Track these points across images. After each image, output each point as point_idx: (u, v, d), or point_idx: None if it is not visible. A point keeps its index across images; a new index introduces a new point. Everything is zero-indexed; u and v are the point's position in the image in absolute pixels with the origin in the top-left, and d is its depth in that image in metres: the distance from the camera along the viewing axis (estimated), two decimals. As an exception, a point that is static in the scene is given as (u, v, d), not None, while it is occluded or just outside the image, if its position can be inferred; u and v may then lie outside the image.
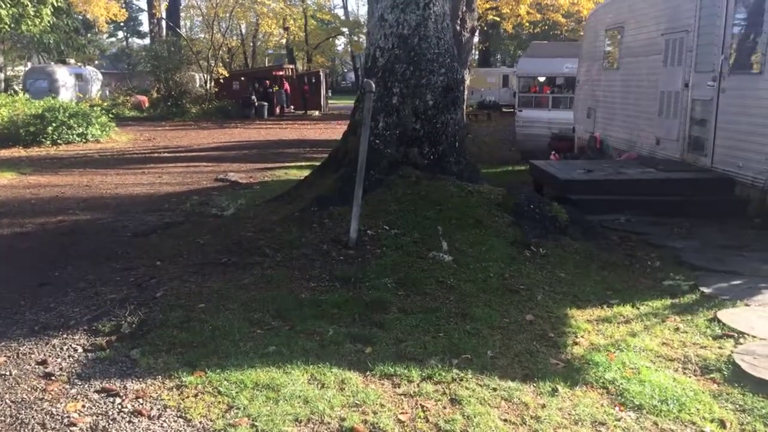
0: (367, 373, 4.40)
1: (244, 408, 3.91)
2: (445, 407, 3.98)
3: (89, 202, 11.03)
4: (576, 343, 4.95)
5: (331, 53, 67.93)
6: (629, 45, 12.94)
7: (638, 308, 5.65)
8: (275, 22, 46.38)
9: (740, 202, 8.80)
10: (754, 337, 5.02)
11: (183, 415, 3.88)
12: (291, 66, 48.24)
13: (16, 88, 29.50)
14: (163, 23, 43.35)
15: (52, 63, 36.85)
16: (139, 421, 3.83)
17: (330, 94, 50.62)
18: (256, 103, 37.40)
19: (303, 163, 17.37)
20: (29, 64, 41.50)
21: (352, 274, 6.03)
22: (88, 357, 4.69)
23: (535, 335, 5.04)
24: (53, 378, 4.39)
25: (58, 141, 21.05)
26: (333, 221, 7.10)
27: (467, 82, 13.28)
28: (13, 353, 4.78)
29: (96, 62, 49.19)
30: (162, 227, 8.38)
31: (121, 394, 4.15)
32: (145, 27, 69.53)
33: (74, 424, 3.79)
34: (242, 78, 40.75)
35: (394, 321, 5.18)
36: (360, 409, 3.93)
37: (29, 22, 22.47)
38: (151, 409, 3.94)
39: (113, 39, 76.64)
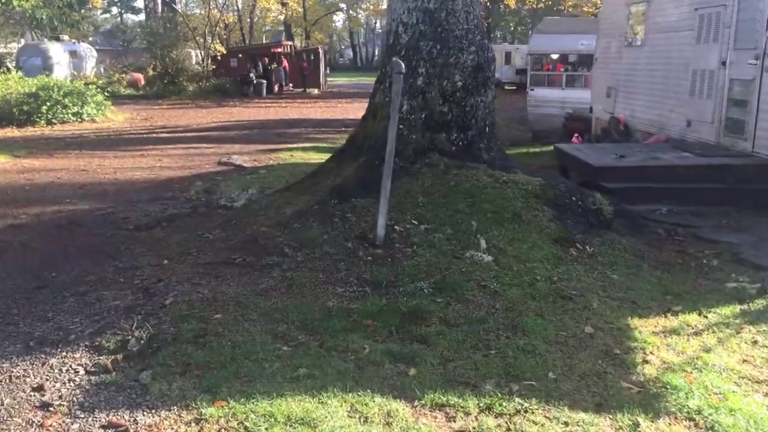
0: (416, 402, 3.80)
1: (278, 452, 3.31)
2: (513, 449, 3.39)
3: (87, 189, 10.37)
4: (646, 361, 4.36)
5: (329, 29, 66.86)
6: (656, 20, 12.23)
7: (705, 316, 5.05)
8: (273, -3, 45.39)
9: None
10: None
11: (206, 461, 3.28)
12: (289, 42, 47.27)
13: (9, 65, 28.60)
14: (159, -2, 42.37)
15: (46, 40, 35.85)
16: (154, 469, 3.23)
17: (328, 72, 49.71)
18: (255, 81, 36.54)
19: (307, 145, 16.72)
20: (22, 41, 40.49)
21: (383, 277, 5.41)
22: (91, 381, 4.08)
23: (598, 352, 4.44)
24: (51, 409, 3.78)
25: (53, 121, 20.34)
26: (356, 215, 6.46)
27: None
28: (5, 376, 4.16)
29: (90, 39, 48.16)
30: (166, 219, 7.73)
31: (131, 430, 3.55)
32: (139, 2, 68.30)
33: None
34: (240, 55, 39.77)
35: (437, 335, 4.57)
36: (414, 453, 3.34)
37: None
38: (168, 453, 3.34)
39: (107, 15, 75.33)
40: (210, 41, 37.19)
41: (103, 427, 3.60)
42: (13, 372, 4.20)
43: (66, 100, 20.83)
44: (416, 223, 6.35)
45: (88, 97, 21.86)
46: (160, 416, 3.66)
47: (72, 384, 4.06)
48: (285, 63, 40.56)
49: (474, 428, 3.56)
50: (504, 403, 3.76)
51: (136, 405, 3.79)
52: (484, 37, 7.48)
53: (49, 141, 16.92)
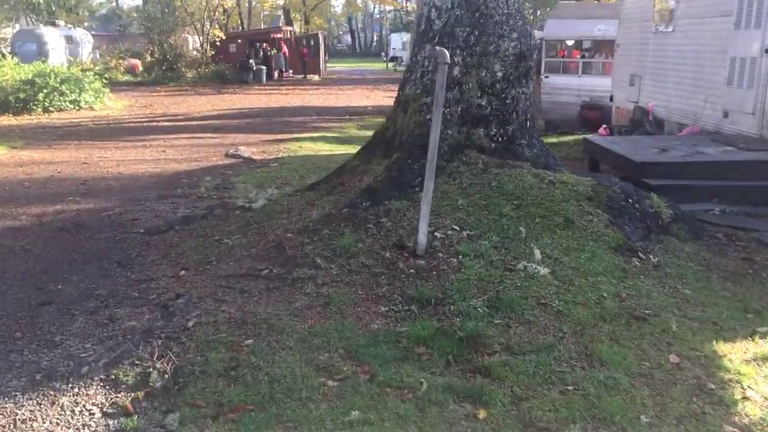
0: (494, 456, 3.22)
1: None
2: None
3: (90, 185, 9.76)
4: (746, 398, 3.79)
5: (328, 14, 65.94)
6: (688, 4, 11.59)
7: (797, 339, 4.47)
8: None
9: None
10: None
11: None
12: (289, 28, 46.41)
13: (4, 51, 27.80)
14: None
15: (41, 25, 35.03)
16: None
17: (327, 58, 48.94)
18: (254, 67, 35.84)
19: (314, 134, 16.14)
20: (17, 26, 39.65)
21: (431, 293, 4.82)
22: (109, 427, 3.50)
23: (690, 387, 3.86)
24: (65, 465, 3.20)
25: (50, 108, 19.78)
26: (391, 220, 5.86)
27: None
28: (10, 419, 3.58)
29: (85, 24, 47.25)
30: (179, 222, 7.12)
31: (161, 493, 2.98)
32: (135, -14, 67.07)
33: None
34: (239, 40, 39.01)
35: (502, 366, 3.99)
36: None
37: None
38: None
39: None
40: (208, 26, 36.39)
41: (127, 489, 3.03)
42: (18, 414, 3.62)
43: (63, 87, 20.25)
44: (458, 228, 5.76)
45: (86, 84, 21.26)
46: (194, 475, 3.09)
47: (87, 430, 3.47)
48: (285, 49, 39.86)
49: (569, 491, 2.99)
50: (598, 457, 3.19)
51: (164, 459, 3.22)
52: (526, 23, 6.86)
53: (47, 130, 16.31)
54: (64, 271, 5.94)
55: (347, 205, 6.22)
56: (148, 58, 35.82)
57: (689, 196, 7.55)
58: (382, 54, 71.78)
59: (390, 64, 58.66)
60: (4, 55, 23.97)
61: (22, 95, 19.30)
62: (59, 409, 3.66)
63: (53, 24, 34.14)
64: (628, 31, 14.46)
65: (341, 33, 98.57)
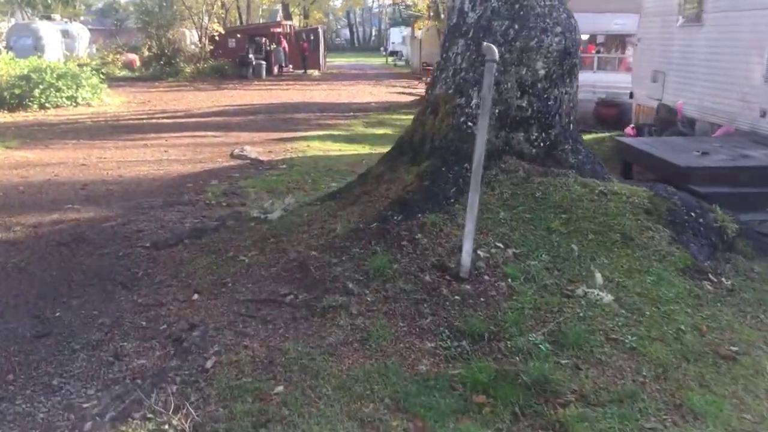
0: None
1: None
2: None
3: (89, 190, 9.13)
4: None
5: (326, 8, 65.16)
6: (721, -3, 10.97)
7: None
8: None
9: None
10: None
11: None
12: (289, 22, 45.68)
13: (-1, 45, 27.15)
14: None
15: (37, 19, 34.30)
16: None
17: (326, 53, 48.25)
18: (254, 63, 35.16)
19: (320, 132, 15.52)
20: (12, 20, 38.84)
21: (483, 326, 4.22)
22: (119, 506, 2.89)
23: (805, 447, 3.27)
24: None
25: (46, 105, 19.20)
26: (427, 236, 5.25)
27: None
28: (-2, 494, 2.97)
29: (82, 18, 46.44)
30: (188, 235, 6.49)
31: None
32: (132, -20, 66.15)
33: None
34: (238, 35, 38.27)
35: (581, 421, 3.39)
36: None
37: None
38: None
39: (99, -7, 73.22)
40: (207, 21, 35.68)
41: None
42: (8, 487, 3.01)
43: (60, 82, 19.63)
44: (502, 246, 5.15)
45: (83, 79, 20.63)
46: None
47: None
48: (284, 43, 39.17)
49: None
50: None
51: None
52: (570, 15, 6.25)
53: (43, 128, 15.68)
54: (63, 294, 5.32)
55: (376, 218, 5.60)
56: (146, 53, 35.13)
57: (737, 204, 6.94)
58: (382, 49, 71.15)
59: (390, 59, 58.00)
60: (-1, 51, 23.29)
61: (17, 91, 18.69)
62: (58, 479, 3.06)
63: (49, 18, 33.39)
64: (649, 25, 13.83)
65: (339, 27, 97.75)
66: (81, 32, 35.16)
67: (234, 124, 17.10)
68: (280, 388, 3.67)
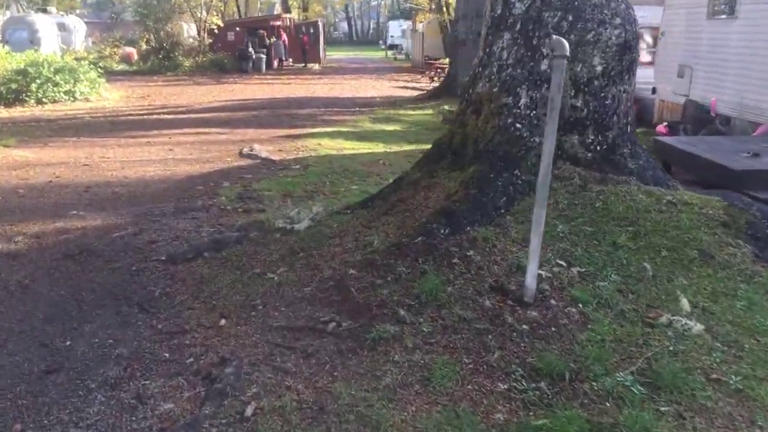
0: None
1: None
2: None
3: (93, 193, 8.54)
4: None
5: (326, 0, 64.48)
6: (758, -12, 10.42)
7: None
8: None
9: None
10: None
11: None
12: (288, 15, 45.01)
13: (-6, 39, 26.47)
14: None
15: (32, 12, 33.61)
16: None
17: (326, 46, 47.60)
18: (254, 56, 34.52)
19: (328, 129, 14.95)
20: (8, 13, 38.10)
21: (561, 363, 3.66)
22: None
23: None
24: None
25: (44, 100, 18.63)
26: (479, 253, 4.69)
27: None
28: None
29: (78, 11, 45.69)
30: (208, 247, 5.91)
31: None
32: (128, -28, 65.19)
33: None
34: (237, 28, 37.61)
35: (701, 487, 2.83)
36: None
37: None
38: None
39: (94, -15, 72.31)
40: (205, 13, 34.99)
41: None
42: None
43: (57, 77, 19.06)
44: (564, 264, 4.60)
45: (81, 73, 20.04)
46: None
47: None
48: (284, 37, 38.53)
49: None
50: None
51: None
52: (629, 6, 5.69)
53: (42, 124, 15.10)
54: (73, 317, 4.75)
55: (419, 231, 5.04)
56: (144, 47, 34.48)
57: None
58: (380, 42, 70.44)
59: (389, 53, 57.34)
60: (-6, 44, 22.65)
61: (14, 86, 18.12)
62: None
63: (45, 11, 32.71)
64: (674, 17, 13.27)
65: (337, 20, 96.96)
66: (77, 25, 34.53)
67: (238, 120, 16.52)
68: (337, 444, 3.11)
